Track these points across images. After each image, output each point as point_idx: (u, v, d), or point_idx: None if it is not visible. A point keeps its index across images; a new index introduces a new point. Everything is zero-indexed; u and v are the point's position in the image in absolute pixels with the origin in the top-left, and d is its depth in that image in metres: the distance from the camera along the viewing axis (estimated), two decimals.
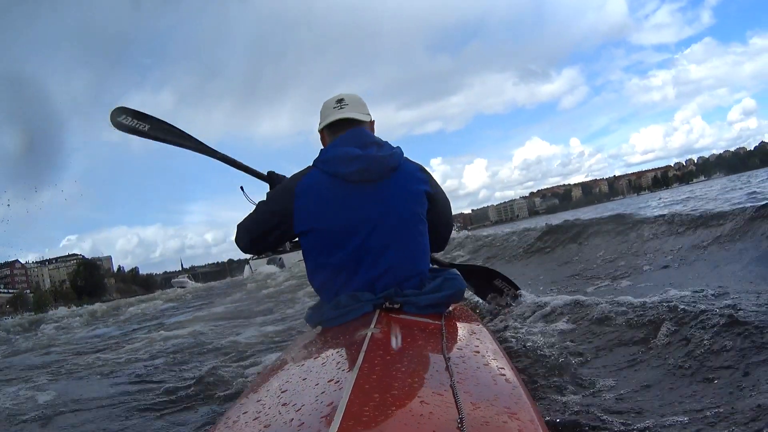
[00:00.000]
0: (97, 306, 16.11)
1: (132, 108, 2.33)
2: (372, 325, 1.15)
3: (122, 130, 2.32)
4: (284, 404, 0.85)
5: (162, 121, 2.34)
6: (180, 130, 2.33)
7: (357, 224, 1.44)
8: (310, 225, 1.48)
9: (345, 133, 1.54)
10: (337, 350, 1.15)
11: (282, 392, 0.93)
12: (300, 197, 1.48)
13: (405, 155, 1.57)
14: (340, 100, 1.60)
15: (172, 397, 2.52)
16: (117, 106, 2.32)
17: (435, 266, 1.83)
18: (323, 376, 0.94)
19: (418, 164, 1.58)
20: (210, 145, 2.32)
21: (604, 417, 1.46)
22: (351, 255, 1.45)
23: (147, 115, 2.31)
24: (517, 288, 2.79)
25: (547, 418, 1.49)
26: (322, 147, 1.62)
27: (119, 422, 2.30)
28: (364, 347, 0.96)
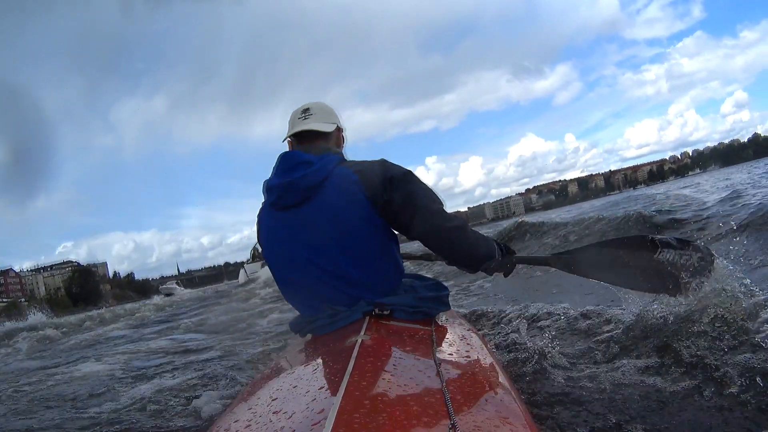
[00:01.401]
0: (85, 315, 15.60)
1: None
2: (362, 332, 1.14)
3: None
4: (275, 412, 0.85)
5: None
6: None
7: (298, 252, 1.43)
8: (267, 258, 1.54)
9: (280, 157, 1.51)
10: (327, 357, 1.15)
11: (273, 400, 0.93)
12: (258, 229, 1.56)
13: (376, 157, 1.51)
14: (305, 110, 1.60)
15: (161, 406, 2.49)
16: None
17: (421, 274, 1.82)
18: (314, 383, 0.94)
19: (357, 165, 1.46)
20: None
21: (596, 422, 1.47)
22: (308, 279, 1.43)
23: None
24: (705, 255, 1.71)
25: (539, 423, 1.50)
26: None
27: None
28: (355, 354, 0.96)
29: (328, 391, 0.84)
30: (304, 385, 0.96)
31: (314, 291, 1.44)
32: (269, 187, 1.48)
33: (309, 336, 1.46)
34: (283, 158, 1.49)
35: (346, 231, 1.40)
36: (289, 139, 1.61)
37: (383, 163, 1.47)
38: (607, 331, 2.20)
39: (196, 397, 2.53)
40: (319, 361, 1.15)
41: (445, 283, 1.62)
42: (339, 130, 1.64)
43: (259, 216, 1.55)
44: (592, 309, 2.48)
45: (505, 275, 1.69)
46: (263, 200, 1.54)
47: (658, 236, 1.69)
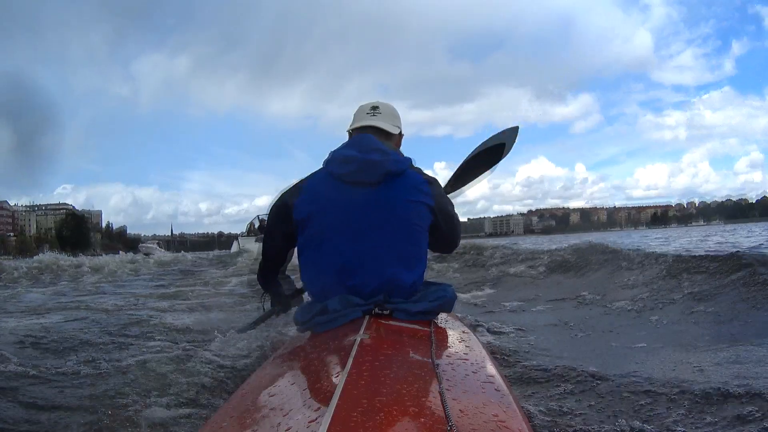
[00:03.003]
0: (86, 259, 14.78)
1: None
2: (361, 331, 1.15)
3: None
4: (272, 408, 0.85)
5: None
6: None
7: (350, 225, 1.44)
8: (307, 215, 1.50)
9: (353, 138, 1.58)
10: (326, 355, 1.15)
11: (270, 396, 0.93)
12: (304, 193, 1.52)
13: (417, 164, 1.57)
14: (374, 107, 1.65)
15: (156, 399, 2.48)
16: None
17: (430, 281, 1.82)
18: (311, 381, 0.94)
19: (429, 177, 1.56)
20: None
21: (594, 425, 1.47)
22: (342, 255, 1.44)
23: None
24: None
25: (536, 424, 1.50)
26: None
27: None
28: (353, 353, 0.96)
29: (326, 389, 0.84)
30: (301, 382, 0.96)
31: (343, 273, 1.44)
32: (346, 158, 1.48)
33: (308, 333, 1.46)
34: (362, 138, 1.54)
35: (405, 229, 1.46)
36: (350, 132, 1.65)
37: (439, 183, 1.61)
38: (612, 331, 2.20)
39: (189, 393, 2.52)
40: (318, 358, 1.15)
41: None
42: (400, 134, 1.69)
43: (311, 184, 1.53)
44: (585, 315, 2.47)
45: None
46: (320, 170, 1.54)
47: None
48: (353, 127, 1.64)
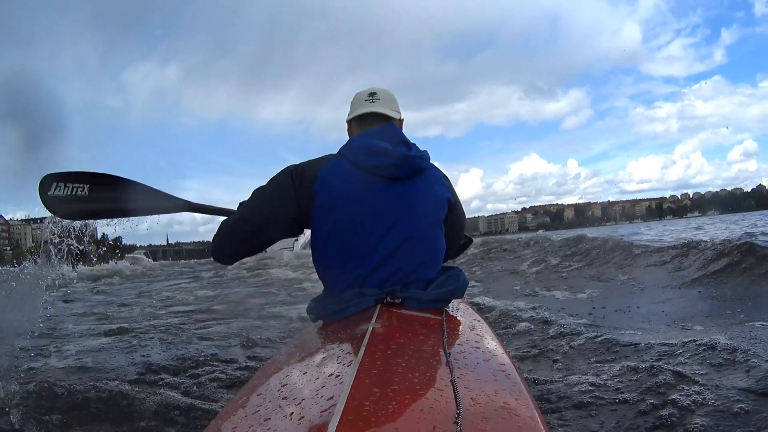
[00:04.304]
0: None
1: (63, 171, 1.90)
2: (373, 320, 1.15)
3: (57, 211, 2.01)
4: (284, 398, 0.86)
5: (110, 176, 1.90)
6: (141, 185, 1.90)
7: (375, 218, 1.40)
8: (332, 206, 1.40)
9: (377, 128, 1.50)
10: (337, 344, 1.15)
11: (282, 386, 0.94)
12: (323, 180, 1.41)
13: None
14: (372, 94, 1.59)
15: (169, 390, 2.53)
16: (45, 175, 1.93)
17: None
18: (324, 370, 0.94)
19: (441, 171, 1.57)
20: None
21: (606, 416, 1.46)
22: (364, 248, 1.40)
23: (86, 174, 1.89)
24: None
25: (548, 414, 1.50)
26: (348, 137, 1.60)
27: (111, 414, 2.30)
28: (365, 342, 0.97)
29: (338, 378, 0.84)
30: (314, 371, 0.96)
31: (363, 266, 1.40)
32: (378, 150, 1.41)
33: (320, 322, 1.46)
34: (386, 129, 1.49)
35: (425, 223, 1.44)
36: (348, 121, 1.61)
37: (451, 183, 1.58)
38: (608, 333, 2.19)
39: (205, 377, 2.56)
40: (330, 348, 1.15)
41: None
42: (401, 120, 1.64)
43: (332, 172, 1.42)
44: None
45: None
46: (339, 156, 1.45)
47: None
48: (353, 115, 1.59)
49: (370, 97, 1.59)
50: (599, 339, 2.21)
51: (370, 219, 1.40)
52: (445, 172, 1.58)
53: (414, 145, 1.51)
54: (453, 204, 1.53)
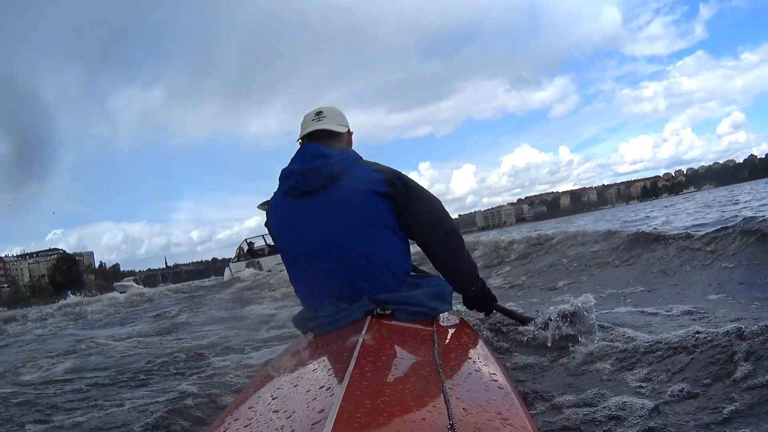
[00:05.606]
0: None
1: None
2: (363, 332, 1.14)
3: None
4: (275, 411, 0.85)
5: None
6: None
7: (311, 238, 1.46)
8: (280, 245, 1.57)
9: (301, 148, 1.57)
10: (328, 357, 1.15)
11: (273, 399, 0.93)
12: (271, 217, 1.59)
13: (375, 159, 1.58)
14: (318, 113, 1.66)
15: (160, 399, 2.49)
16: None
17: (419, 270, 1.82)
18: (314, 382, 0.94)
19: (374, 165, 1.54)
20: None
21: (597, 426, 1.46)
22: (315, 265, 1.46)
23: None
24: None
25: (540, 425, 1.50)
26: None
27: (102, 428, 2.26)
28: (356, 354, 0.96)
29: (329, 390, 0.84)
30: (305, 384, 0.96)
31: (322, 281, 1.46)
32: (289, 173, 1.51)
33: (310, 334, 1.46)
34: (304, 149, 1.55)
35: (361, 221, 1.45)
36: (300, 141, 1.65)
37: (398, 171, 1.55)
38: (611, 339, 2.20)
39: (194, 394, 2.53)
40: (321, 360, 1.15)
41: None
42: (349, 132, 1.71)
43: (272, 204, 1.58)
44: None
45: (486, 314, 1.87)
46: (277, 188, 1.57)
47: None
48: (301, 135, 1.65)
49: (317, 116, 1.65)
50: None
51: (308, 241, 1.46)
52: (387, 167, 1.55)
53: (338, 154, 1.51)
54: (398, 193, 1.48)
